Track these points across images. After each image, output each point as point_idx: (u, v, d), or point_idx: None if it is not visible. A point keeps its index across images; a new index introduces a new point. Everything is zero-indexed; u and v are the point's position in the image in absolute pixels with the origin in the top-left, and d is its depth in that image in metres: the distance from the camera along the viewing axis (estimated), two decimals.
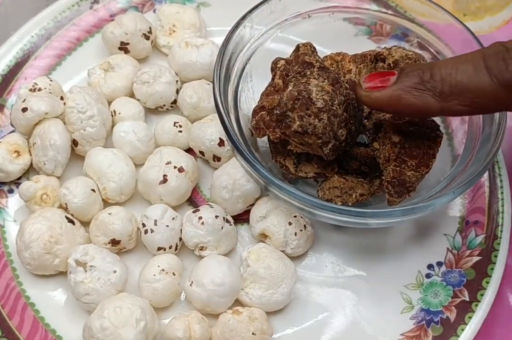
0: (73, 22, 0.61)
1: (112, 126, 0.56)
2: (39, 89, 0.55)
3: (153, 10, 0.63)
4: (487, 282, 0.50)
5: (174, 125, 0.55)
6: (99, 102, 0.54)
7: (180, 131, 0.55)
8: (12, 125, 0.55)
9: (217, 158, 0.54)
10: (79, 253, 0.48)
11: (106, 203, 0.53)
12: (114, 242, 0.50)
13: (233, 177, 0.52)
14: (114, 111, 0.56)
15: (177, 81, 0.58)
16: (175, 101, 0.58)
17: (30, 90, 0.55)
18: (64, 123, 0.54)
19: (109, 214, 0.50)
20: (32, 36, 0.60)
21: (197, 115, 0.56)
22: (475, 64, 0.41)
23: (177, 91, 0.57)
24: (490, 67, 0.41)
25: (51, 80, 0.56)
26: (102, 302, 0.47)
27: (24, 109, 0.53)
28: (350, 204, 0.49)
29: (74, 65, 0.60)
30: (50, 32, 0.61)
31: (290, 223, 0.51)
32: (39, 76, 0.57)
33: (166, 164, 0.52)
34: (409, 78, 0.43)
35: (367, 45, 0.57)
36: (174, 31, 0.61)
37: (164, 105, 0.57)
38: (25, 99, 0.53)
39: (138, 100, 0.57)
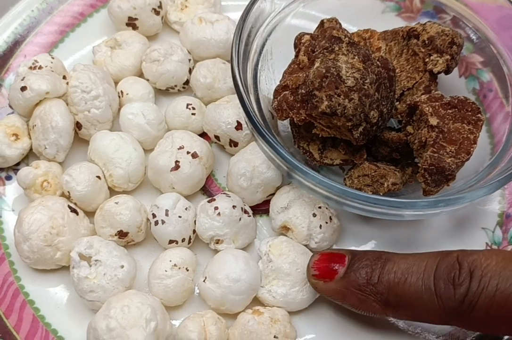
0: None
1: (119, 108, 0.52)
2: (40, 67, 0.52)
3: None
4: None
5: (187, 108, 0.52)
6: (105, 81, 0.51)
7: (193, 114, 0.52)
8: (10, 106, 0.52)
9: (233, 143, 0.51)
10: (83, 246, 0.45)
11: (112, 192, 0.50)
12: (122, 234, 0.47)
13: (252, 163, 0.49)
14: (122, 92, 0.53)
15: (189, 60, 0.54)
16: (187, 82, 0.54)
17: (30, 68, 0.52)
18: (67, 104, 0.50)
19: (116, 203, 0.47)
20: (32, 11, 0.57)
21: (211, 96, 0.53)
22: (425, 278, 0.39)
23: (190, 71, 0.54)
24: (438, 288, 0.39)
25: (52, 58, 0.53)
26: (108, 300, 0.44)
27: (23, 88, 0.50)
28: (381, 194, 0.46)
29: (78, 42, 0.58)
30: (52, 6, 0.58)
31: (314, 215, 0.47)
32: (40, 54, 0.54)
33: (178, 149, 0.49)
34: (356, 276, 0.41)
35: (395, 23, 0.54)
36: (186, 6, 0.57)
37: (176, 86, 0.54)
38: (24, 78, 0.50)
39: (148, 80, 0.54)
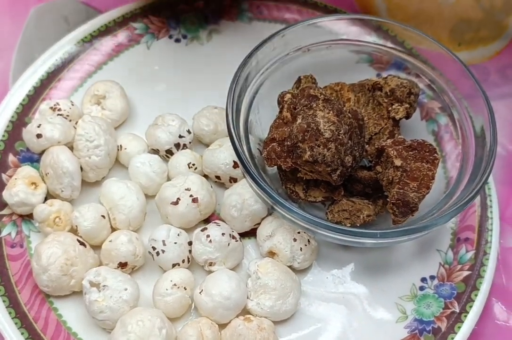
0: (94, 46, 0.59)
1: (117, 159, 0.54)
2: (59, 109, 0.54)
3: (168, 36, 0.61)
4: (476, 295, 0.49)
5: (189, 167, 0.53)
6: (108, 133, 0.52)
7: (195, 168, 0.53)
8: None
9: (233, 179, 0.52)
10: (92, 275, 0.47)
11: (115, 229, 0.51)
12: (122, 265, 0.49)
13: (242, 196, 0.50)
14: (120, 146, 0.54)
15: (188, 131, 0.54)
16: (169, 151, 0.54)
17: (51, 108, 0.54)
18: (72, 148, 0.52)
19: (110, 241, 0.49)
20: (56, 60, 0.57)
21: (217, 138, 0.54)
22: None
23: (178, 146, 0.54)
24: None
25: (72, 105, 0.54)
26: (121, 319, 0.45)
27: (39, 136, 0.51)
28: (358, 225, 0.47)
29: None
30: (73, 56, 0.58)
31: (295, 239, 0.49)
32: (63, 98, 0.55)
33: (185, 190, 0.50)
34: None
35: (368, 73, 0.56)
36: None
37: (158, 150, 0.54)
38: (40, 125, 0.51)
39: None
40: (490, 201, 0.53)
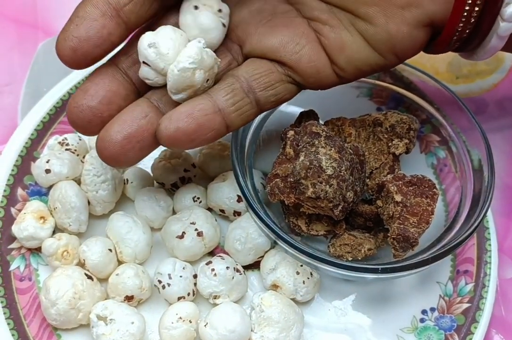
0: None
1: (124, 192, 0.55)
2: (67, 144, 0.55)
3: None
4: (475, 327, 0.50)
5: (194, 201, 0.53)
6: (115, 168, 0.53)
7: (200, 202, 0.53)
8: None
9: (237, 213, 0.53)
10: (99, 308, 0.47)
11: (121, 262, 0.52)
12: (129, 298, 0.49)
13: (246, 230, 0.51)
14: (127, 180, 0.54)
15: (193, 165, 0.55)
16: (175, 185, 0.55)
17: (59, 143, 0.55)
18: (80, 181, 0.53)
19: (117, 274, 0.49)
20: (64, 95, 0.58)
21: (221, 172, 0.55)
22: None
23: (183, 179, 0.54)
24: None
25: (80, 139, 0.55)
26: None
27: (47, 171, 0.52)
28: (359, 258, 0.48)
29: None
30: None
31: (298, 273, 0.50)
32: (71, 133, 0.56)
33: (190, 223, 0.51)
34: None
35: (368, 106, 0.57)
36: None
37: (164, 184, 0.55)
38: (48, 160, 0.52)
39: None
40: (489, 233, 0.53)
